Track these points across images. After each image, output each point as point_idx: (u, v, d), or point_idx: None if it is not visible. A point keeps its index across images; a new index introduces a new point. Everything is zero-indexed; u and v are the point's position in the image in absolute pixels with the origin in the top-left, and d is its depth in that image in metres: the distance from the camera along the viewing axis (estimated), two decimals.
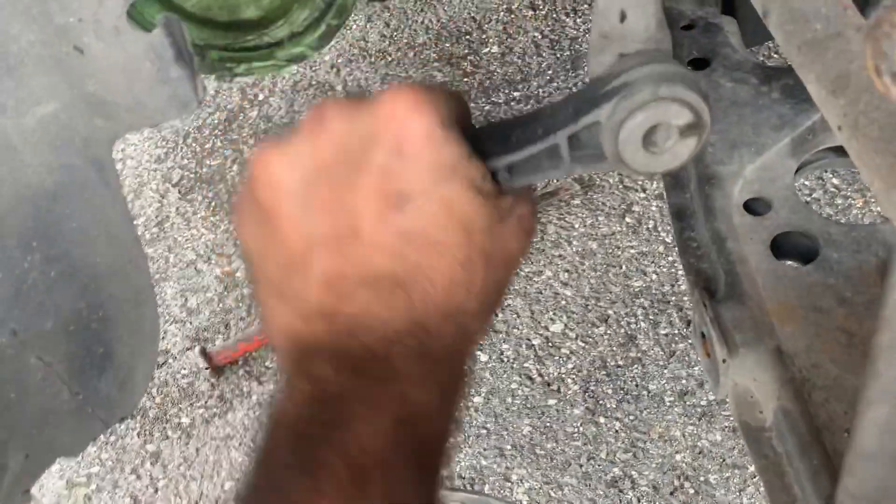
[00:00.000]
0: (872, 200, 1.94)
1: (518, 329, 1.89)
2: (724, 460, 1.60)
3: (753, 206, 1.01)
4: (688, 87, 0.71)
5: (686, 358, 1.79)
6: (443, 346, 0.42)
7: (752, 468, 1.59)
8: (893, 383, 0.36)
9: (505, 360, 1.85)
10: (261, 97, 2.58)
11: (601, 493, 1.62)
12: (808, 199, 1.94)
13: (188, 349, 1.99)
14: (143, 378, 0.94)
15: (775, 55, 2.20)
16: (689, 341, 1.77)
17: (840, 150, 1.06)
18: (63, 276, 0.79)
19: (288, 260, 0.43)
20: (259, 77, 2.23)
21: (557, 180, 2.18)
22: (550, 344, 1.85)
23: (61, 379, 0.82)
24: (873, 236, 0.94)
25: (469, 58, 2.56)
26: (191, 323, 2.05)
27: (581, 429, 1.71)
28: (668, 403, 1.71)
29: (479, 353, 1.87)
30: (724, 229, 0.99)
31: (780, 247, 0.97)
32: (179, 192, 2.39)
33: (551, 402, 1.76)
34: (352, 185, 0.42)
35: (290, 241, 0.43)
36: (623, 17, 0.79)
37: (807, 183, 1.96)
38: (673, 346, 1.80)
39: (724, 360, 0.88)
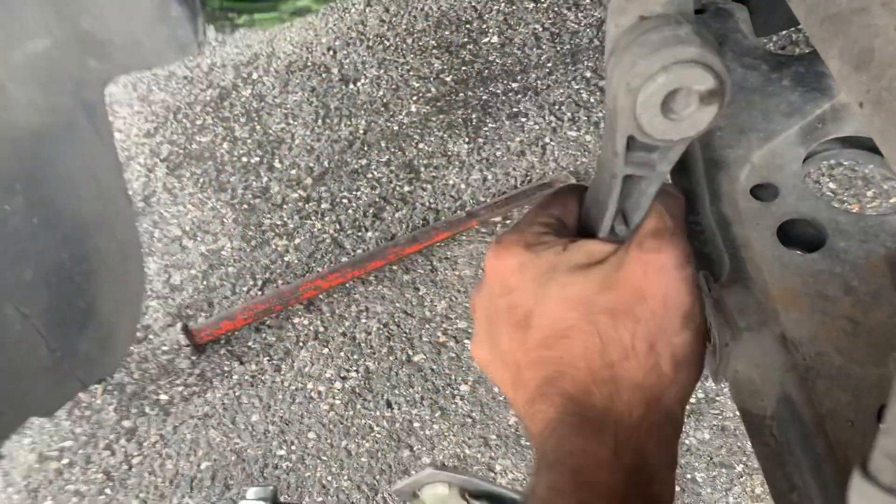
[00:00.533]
0: (869, 206, 1.93)
1: None
2: (711, 459, 1.58)
3: (760, 193, 0.98)
4: (711, 51, 0.68)
5: None
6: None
7: (739, 468, 1.58)
8: None
9: None
10: (255, 76, 2.54)
11: None
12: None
13: (169, 326, 1.95)
14: (124, 338, 0.91)
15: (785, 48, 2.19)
16: None
17: (848, 142, 1.04)
18: (46, 223, 0.75)
19: None
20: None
21: (552, 172, 2.16)
22: None
23: (39, 333, 0.78)
24: (882, 227, 0.92)
25: (468, 46, 2.53)
26: (173, 299, 2.01)
27: None
28: None
29: (467, 341, 1.85)
30: (730, 214, 0.96)
31: (787, 234, 0.94)
32: (167, 167, 2.35)
33: None
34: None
35: None
36: None
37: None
38: None
39: (726, 345, 0.85)
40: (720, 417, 1.66)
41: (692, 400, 1.71)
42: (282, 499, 1.00)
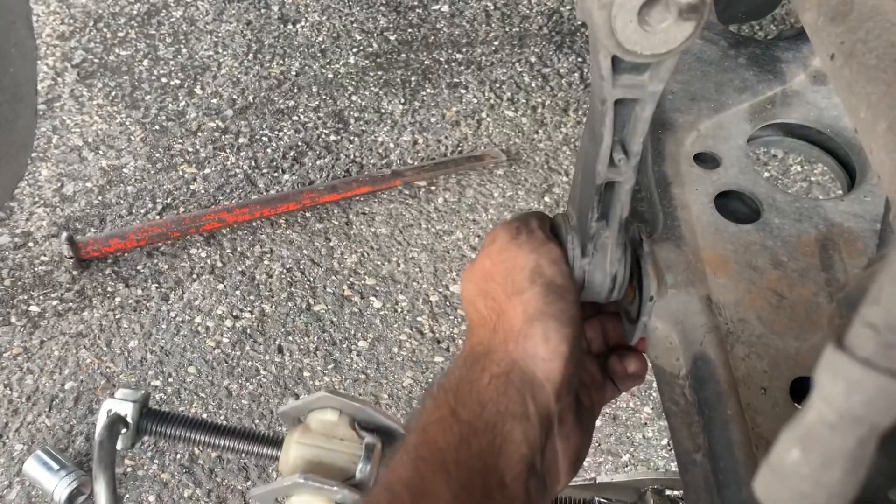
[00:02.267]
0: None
1: (418, 283, 1.81)
2: (598, 445, 1.57)
3: (703, 160, 0.97)
4: None
5: None
6: None
7: (625, 457, 1.57)
8: None
9: (399, 310, 1.76)
10: None
11: None
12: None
13: (53, 236, 1.80)
14: (5, 186, 0.79)
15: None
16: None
17: (792, 131, 1.04)
18: None
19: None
20: None
21: (484, 147, 2.12)
22: (448, 303, 1.78)
23: None
24: (816, 210, 0.91)
25: (417, 10, 2.47)
26: (62, 209, 1.86)
27: None
28: None
29: (374, 299, 1.78)
30: (671, 174, 0.94)
31: (724, 204, 0.93)
32: (78, 74, 2.18)
33: (438, 359, 1.68)
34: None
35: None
36: None
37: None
38: None
39: (651, 298, 0.82)
40: (613, 406, 1.65)
41: None
42: (154, 406, 0.91)
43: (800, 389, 0.80)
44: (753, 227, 0.90)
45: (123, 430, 0.87)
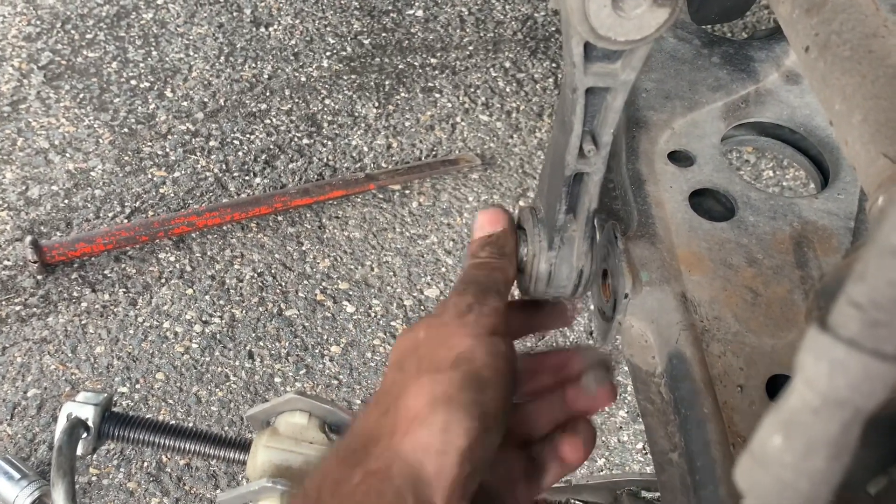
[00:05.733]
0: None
1: (392, 287, 1.79)
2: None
3: (677, 158, 0.96)
4: None
5: (553, 343, 1.74)
6: None
7: (600, 461, 1.56)
8: None
9: (372, 315, 1.74)
10: (160, 1, 2.36)
11: None
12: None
13: (17, 240, 1.75)
14: None
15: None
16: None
17: (765, 130, 1.04)
18: None
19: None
20: None
21: (458, 151, 2.11)
22: (422, 307, 1.76)
23: None
24: (790, 208, 0.91)
25: (391, 14, 2.45)
26: (27, 213, 1.81)
27: None
28: None
29: (346, 303, 1.75)
30: (645, 172, 0.93)
31: (699, 202, 0.92)
32: (45, 76, 2.13)
33: None
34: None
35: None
36: None
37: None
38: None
39: (626, 296, 0.81)
40: None
41: None
42: (116, 410, 0.88)
43: (776, 387, 0.79)
44: (728, 224, 0.89)
45: (84, 435, 0.84)
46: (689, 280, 0.84)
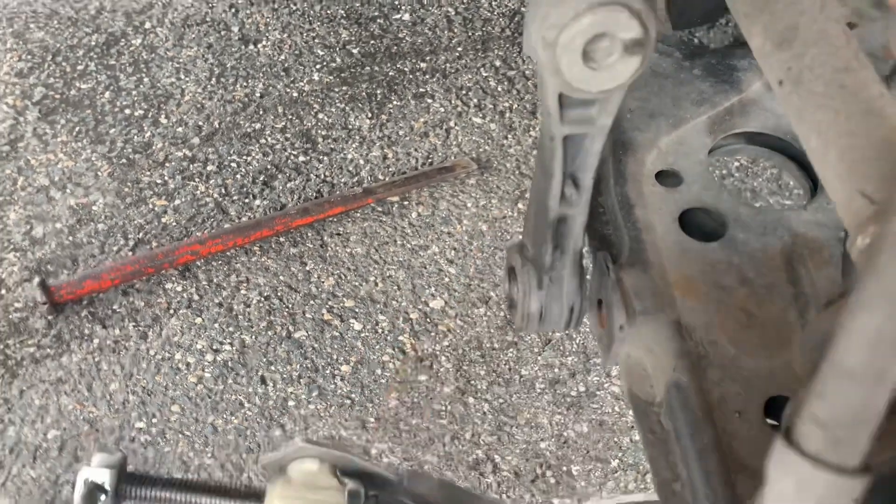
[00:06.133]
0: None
1: (397, 301, 1.81)
2: (587, 452, 1.58)
3: (665, 178, 0.97)
4: None
5: (561, 347, 1.76)
6: None
7: (614, 463, 1.58)
8: (891, 285, 0.30)
9: (379, 331, 1.75)
10: (147, 25, 2.37)
11: (462, 474, 1.56)
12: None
13: (26, 281, 1.77)
14: None
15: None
16: (566, 331, 1.75)
17: (752, 138, 1.04)
18: None
19: None
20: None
21: (454, 156, 2.12)
22: (428, 319, 1.78)
23: None
24: (780, 221, 0.92)
25: (378, 21, 2.45)
26: (33, 253, 1.83)
27: (449, 407, 1.64)
28: (538, 390, 1.67)
29: (354, 321, 1.77)
30: (634, 196, 0.94)
31: (689, 222, 0.93)
32: (40, 111, 2.15)
33: (422, 377, 1.68)
34: None
35: None
36: None
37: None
38: (550, 333, 1.77)
39: (620, 327, 0.83)
40: (599, 412, 1.65)
41: (573, 393, 1.70)
42: (131, 469, 0.90)
43: (774, 409, 0.80)
44: (719, 244, 0.90)
45: (102, 498, 0.86)
46: (684, 306, 0.85)
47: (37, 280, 1.68)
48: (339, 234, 1.92)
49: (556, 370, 1.71)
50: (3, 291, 1.77)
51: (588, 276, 0.85)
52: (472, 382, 1.68)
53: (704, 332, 0.84)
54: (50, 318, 1.71)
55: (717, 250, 0.90)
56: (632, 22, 0.60)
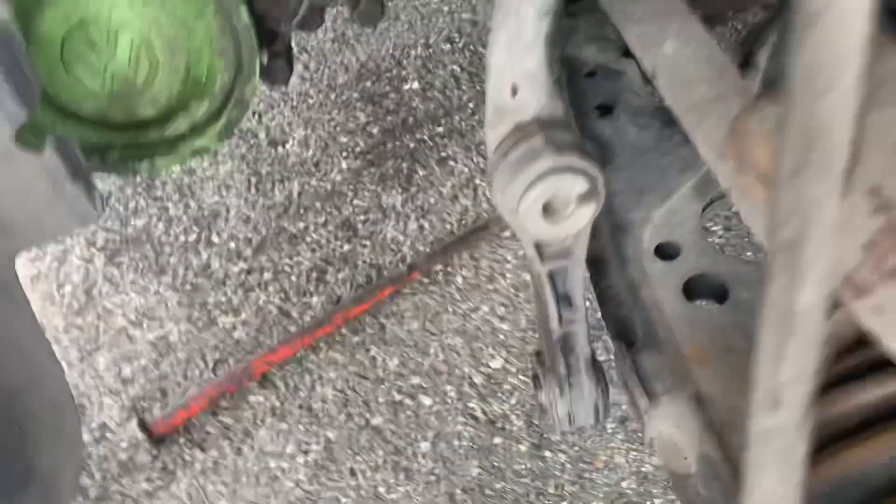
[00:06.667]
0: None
1: (459, 368, 1.91)
2: (668, 483, 1.63)
3: (664, 251, 1.03)
4: (582, 157, 0.73)
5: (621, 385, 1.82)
6: None
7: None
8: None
9: (449, 401, 1.85)
10: None
11: None
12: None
13: (126, 420, 1.94)
14: (69, 485, 0.92)
15: None
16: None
17: None
18: None
19: None
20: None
21: (485, 213, 2.21)
22: (492, 381, 1.87)
23: None
24: None
25: (390, 95, 2.57)
26: (126, 392, 2.01)
27: (528, 465, 1.73)
28: (610, 431, 1.74)
29: (423, 397, 1.88)
30: (637, 277, 1.01)
31: (692, 290, 1.00)
32: (105, 255, 2.34)
33: (497, 440, 1.77)
34: None
35: None
36: (515, 92, 0.82)
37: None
38: (610, 371, 1.83)
39: (645, 412, 0.90)
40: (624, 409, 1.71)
41: None
42: None
43: None
44: (724, 307, 0.97)
45: None
46: (700, 375, 0.92)
47: (135, 420, 1.84)
48: (394, 314, 2.03)
49: (623, 407, 1.77)
50: (108, 434, 1.94)
51: (606, 370, 0.93)
52: (546, 436, 1.76)
53: (723, 398, 0.91)
54: (154, 452, 1.87)
55: (723, 313, 0.97)
56: (578, 179, 0.70)
